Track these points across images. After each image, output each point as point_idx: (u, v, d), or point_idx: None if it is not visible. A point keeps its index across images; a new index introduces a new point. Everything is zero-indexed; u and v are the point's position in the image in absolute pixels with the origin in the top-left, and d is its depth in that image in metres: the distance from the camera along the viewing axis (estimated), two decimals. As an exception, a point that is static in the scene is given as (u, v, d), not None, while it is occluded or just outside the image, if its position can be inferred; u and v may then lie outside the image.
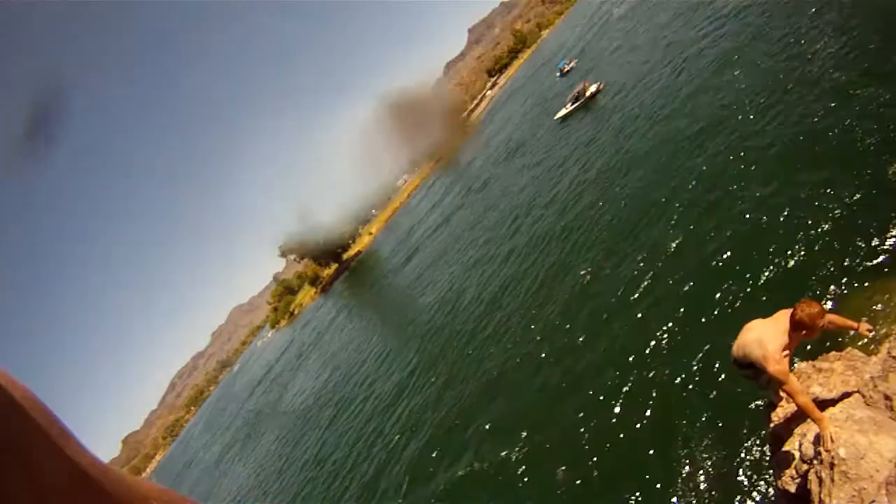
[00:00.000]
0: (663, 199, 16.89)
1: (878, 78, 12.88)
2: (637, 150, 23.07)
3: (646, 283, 14.06)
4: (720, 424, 8.70)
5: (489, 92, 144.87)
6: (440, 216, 55.60)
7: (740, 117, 17.11)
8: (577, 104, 42.59)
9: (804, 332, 4.28)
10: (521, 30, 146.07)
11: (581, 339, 14.42)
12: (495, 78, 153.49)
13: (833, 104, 13.57)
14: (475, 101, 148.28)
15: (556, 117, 45.59)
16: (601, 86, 40.88)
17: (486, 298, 23.05)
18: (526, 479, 11.68)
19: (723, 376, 9.33)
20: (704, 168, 16.49)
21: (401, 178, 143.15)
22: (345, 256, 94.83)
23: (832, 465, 3.67)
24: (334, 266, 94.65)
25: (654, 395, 10.38)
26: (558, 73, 65.13)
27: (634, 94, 31.32)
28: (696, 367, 10.12)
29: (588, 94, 41.51)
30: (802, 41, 17.82)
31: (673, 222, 15.44)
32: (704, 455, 8.48)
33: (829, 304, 8.59)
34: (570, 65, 62.77)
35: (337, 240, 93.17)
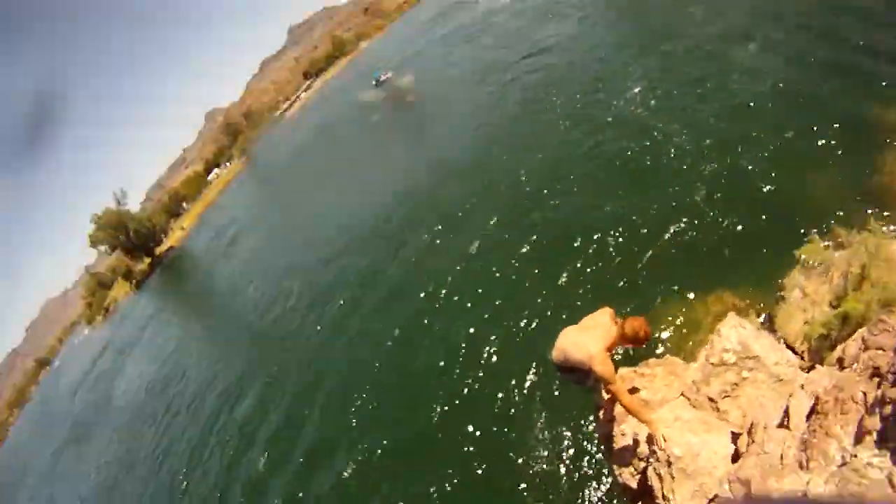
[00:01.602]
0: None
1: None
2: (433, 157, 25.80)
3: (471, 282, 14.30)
4: (553, 426, 8.73)
5: (303, 94, 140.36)
6: (253, 216, 53.89)
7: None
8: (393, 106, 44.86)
9: (629, 343, 4.31)
10: (341, 37, 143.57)
11: (399, 347, 14.13)
12: (311, 81, 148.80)
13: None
14: (289, 102, 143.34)
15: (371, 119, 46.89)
16: (419, 95, 42.40)
17: (305, 300, 22.57)
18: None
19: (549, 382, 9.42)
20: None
21: (213, 173, 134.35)
22: (157, 251, 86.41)
23: (669, 463, 3.91)
24: (147, 261, 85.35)
25: (486, 405, 10.10)
26: (374, 82, 64.94)
27: (444, 106, 33.27)
28: (519, 377, 10.05)
29: (406, 100, 43.60)
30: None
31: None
32: (544, 455, 8.44)
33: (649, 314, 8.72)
34: (387, 75, 62.97)
35: (147, 232, 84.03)
